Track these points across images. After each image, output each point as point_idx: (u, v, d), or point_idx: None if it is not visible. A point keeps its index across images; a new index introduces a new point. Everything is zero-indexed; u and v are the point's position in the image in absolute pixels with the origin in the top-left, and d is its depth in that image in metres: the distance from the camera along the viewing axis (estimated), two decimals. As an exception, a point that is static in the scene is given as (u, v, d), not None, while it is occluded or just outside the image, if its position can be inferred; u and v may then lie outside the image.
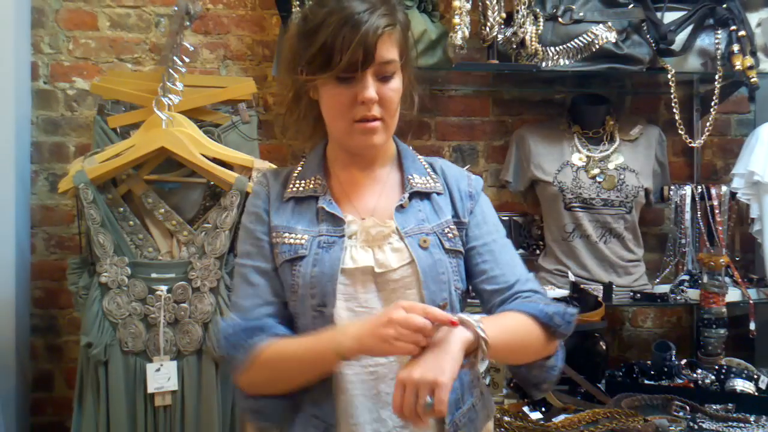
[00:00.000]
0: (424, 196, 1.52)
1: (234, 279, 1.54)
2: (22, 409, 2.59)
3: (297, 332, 1.46)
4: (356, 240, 1.46)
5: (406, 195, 1.50)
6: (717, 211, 2.72)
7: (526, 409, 2.35)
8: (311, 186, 1.51)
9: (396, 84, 1.43)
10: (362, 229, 1.47)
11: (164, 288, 2.16)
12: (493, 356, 1.33)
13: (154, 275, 2.17)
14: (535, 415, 2.32)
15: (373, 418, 1.43)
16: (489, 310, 1.49)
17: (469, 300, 1.56)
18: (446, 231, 1.48)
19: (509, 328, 1.37)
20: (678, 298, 2.62)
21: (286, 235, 1.47)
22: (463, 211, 1.52)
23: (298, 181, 1.53)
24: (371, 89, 1.39)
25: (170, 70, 2.24)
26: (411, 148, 1.60)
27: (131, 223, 2.21)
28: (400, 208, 1.48)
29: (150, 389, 2.12)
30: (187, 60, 2.28)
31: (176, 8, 2.27)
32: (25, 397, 2.63)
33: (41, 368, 2.73)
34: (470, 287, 1.54)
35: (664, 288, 2.66)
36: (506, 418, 2.23)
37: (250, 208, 1.54)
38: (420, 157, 1.59)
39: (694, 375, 2.52)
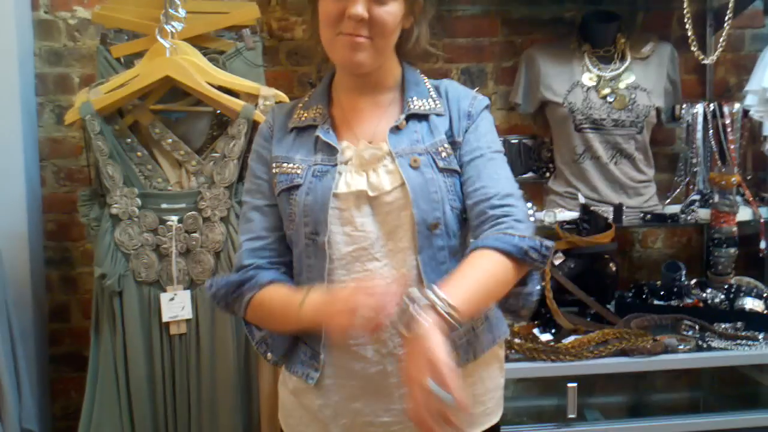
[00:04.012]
0: (422, 117, 1.51)
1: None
2: (40, 340, 2.63)
3: (294, 260, 1.51)
4: (351, 165, 1.48)
5: (402, 116, 1.50)
6: (729, 130, 2.67)
7: (536, 330, 2.37)
8: (312, 115, 1.54)
9: (393, 8, 1.43)
10: (356, 153, 1.48)
11: (175, 218, 2.17)
12: (472, 318, 1.37)
13: (164, 206, 2.17)
14: (546, 337, 2.35)
15: (374, 338, 1.43)
16: (473, 228, 1.46)
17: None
18: (440, 150, 1.48)
19: (481, 283, 1.33)
20: (688, 218, 2.61)
21: (285, 165, 1.51)
22: (459, 131, 1.50)
23: (301, 112, 1.56)
24: (359, 6, 1.39)
25: (172, -4, 2.20)
26: (420, 72, 1.59)
27: (139, 153, 2.20)
28: (395, 129, 1.49)
29: (165, 318, 2.15)
30: (188, -15, 2.23)
31: (175, -68, 2.22)
32: (42, 329, 2.67)
33: (57, 300, 2.77)
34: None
35: (675, 208, 2.65)
36: (516, 340, 2.25)
37: (254, 145, 1.61)
38: (427, 80, 1.58)
39: (704, 294, 2.53)
